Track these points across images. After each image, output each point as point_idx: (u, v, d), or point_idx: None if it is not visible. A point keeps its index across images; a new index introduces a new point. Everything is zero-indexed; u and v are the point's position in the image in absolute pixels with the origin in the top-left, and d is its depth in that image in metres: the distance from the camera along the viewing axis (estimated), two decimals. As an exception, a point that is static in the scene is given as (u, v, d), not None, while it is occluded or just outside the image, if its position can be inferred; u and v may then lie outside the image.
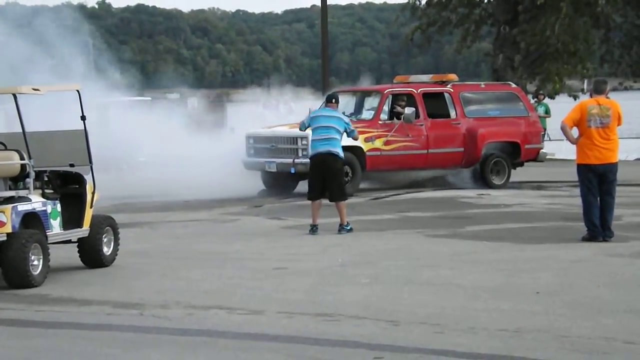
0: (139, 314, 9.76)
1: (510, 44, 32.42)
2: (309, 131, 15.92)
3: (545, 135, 31.52)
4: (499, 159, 21.85)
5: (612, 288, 10.64)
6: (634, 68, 34.66)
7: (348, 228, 15.41)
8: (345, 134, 15.64)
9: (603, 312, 9.38)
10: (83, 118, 12.28)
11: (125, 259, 12.81)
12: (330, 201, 15.54)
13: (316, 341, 8.53)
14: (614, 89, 33.46)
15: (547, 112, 31.42)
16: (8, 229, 11.10)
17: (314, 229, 15.35)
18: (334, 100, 15.90)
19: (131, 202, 20.02)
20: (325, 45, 34.81)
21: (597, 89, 13.95)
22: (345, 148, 19.87)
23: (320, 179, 15.46)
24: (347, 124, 15.66)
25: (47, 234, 11.61)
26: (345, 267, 12.25)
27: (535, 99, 31.46)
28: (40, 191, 11.77)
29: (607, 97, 13.93)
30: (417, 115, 21.04)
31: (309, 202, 15.63)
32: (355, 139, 16.80)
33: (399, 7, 36.43)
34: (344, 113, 20.82)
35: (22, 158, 11.55)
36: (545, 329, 8.72)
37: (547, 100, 31.78)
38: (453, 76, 22.47)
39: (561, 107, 30.74)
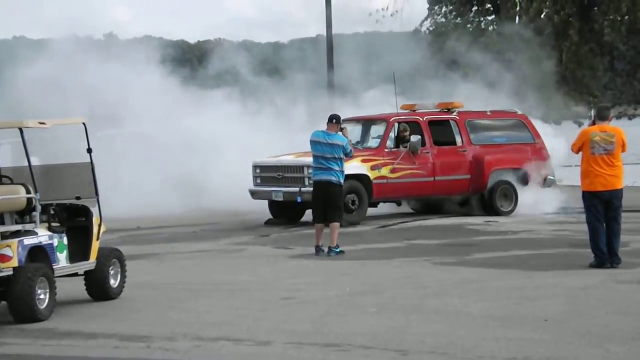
0: (146, 347, 9.73)
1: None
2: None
3: None
4: (506, 186, 21.81)
5: (621, 315, 10.59)
6: (637, 96, 34.71)
7: (337, 251, 15.86)
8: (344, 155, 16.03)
9: (612, 340, 9.33)
10: (89, 150, 12.31)
11: (132, 291, 12.78)
12: (326, 222, 15.96)
13: (324, 372, 8.50)
14: (621, 116, 33.44)
15: None
16: (14, 263, 11.08)
17: (318, 249, 16.00)
18: (334, 121, 16.07)
19: (138, 234, 20.00)
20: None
21: (601, 116, 13.95)
22: (351, 176, 20.07)
23: (320, 202, 16.05)
24: (344, 147, 15.90)
25: (54, 267, 11.59)
26: (353, 296, 12.21)
27: None
28: (46, 224, 11.75)
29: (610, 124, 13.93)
30: (423, 143, 21.05)
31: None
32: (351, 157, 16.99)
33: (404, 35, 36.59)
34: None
35: (28, 192, 11.55)
36: (553, 357, 8.67)
37: (553, 126, 31.76)
38: (459, 103, 22.48)
39: (565, 135, 30.76)
